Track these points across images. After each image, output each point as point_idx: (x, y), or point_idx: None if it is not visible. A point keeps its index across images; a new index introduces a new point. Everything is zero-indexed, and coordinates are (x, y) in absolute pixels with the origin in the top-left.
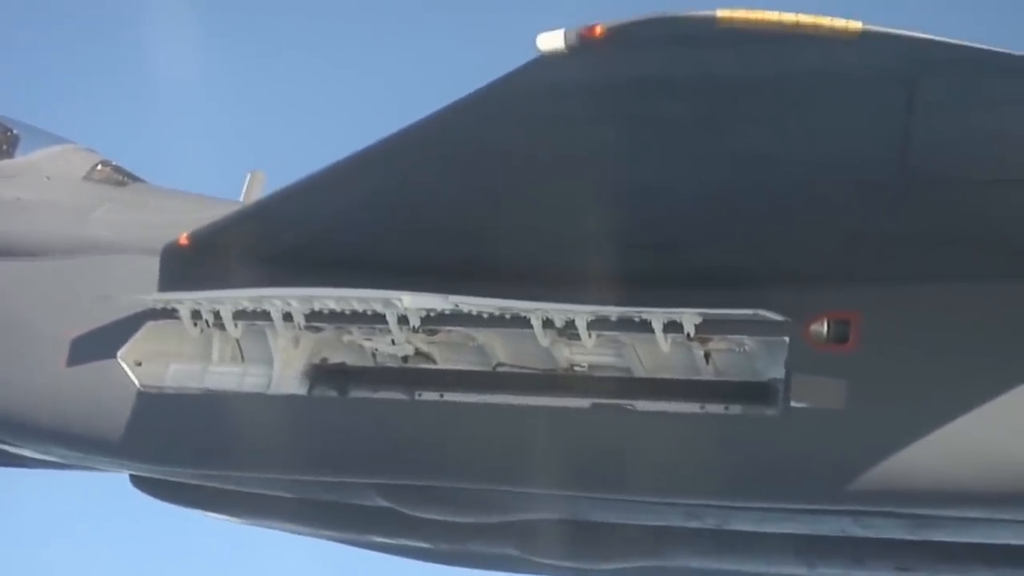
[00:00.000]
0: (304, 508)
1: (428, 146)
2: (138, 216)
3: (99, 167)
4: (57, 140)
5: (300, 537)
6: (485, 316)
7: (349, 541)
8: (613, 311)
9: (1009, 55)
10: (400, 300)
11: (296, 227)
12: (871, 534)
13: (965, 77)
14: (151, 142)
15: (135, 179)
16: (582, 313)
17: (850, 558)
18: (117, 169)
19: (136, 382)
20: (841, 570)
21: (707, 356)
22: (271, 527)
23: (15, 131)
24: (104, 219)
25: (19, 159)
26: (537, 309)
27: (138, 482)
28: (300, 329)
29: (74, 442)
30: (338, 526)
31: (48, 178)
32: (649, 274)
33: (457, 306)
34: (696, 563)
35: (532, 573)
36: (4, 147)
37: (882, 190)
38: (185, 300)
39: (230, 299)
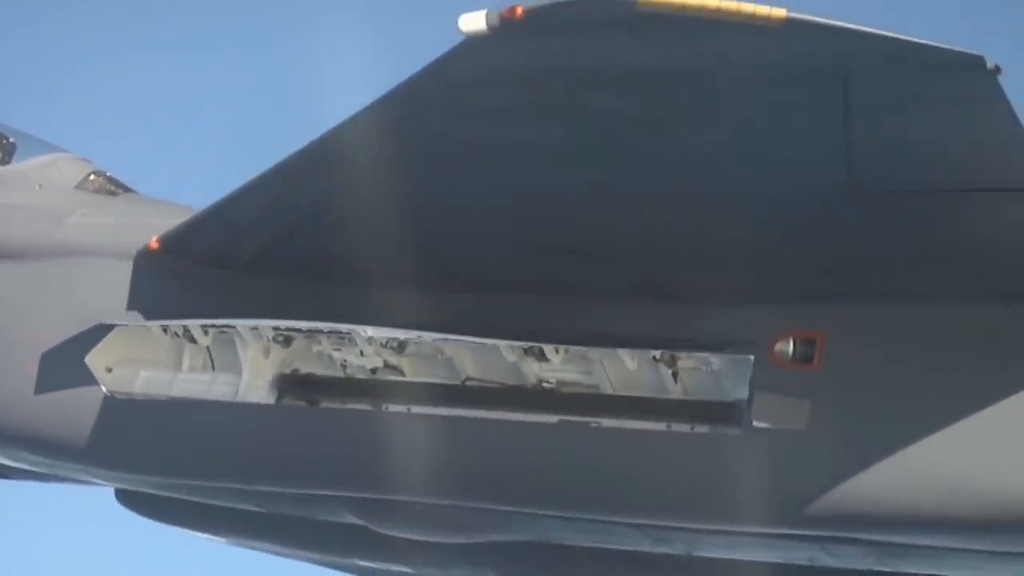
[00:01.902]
0: (283, 527)
1: (365, 140)
2: (114, 221)
3: (92, 177)
4: (52, 149)
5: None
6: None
7: (334, 565)
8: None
9: (940, 49)
10: (364, 331)
11: (250, 230)
12: (840, 564)
13: (900, 74)
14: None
15: (127, 190)
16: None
17: None
18: (110, 179)
19: (105, 388)
20: None
21: (675, 375)
22: (255, 548)
23: (11, 139)
24: (79, 223)
25: (13, 166)
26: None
27: (123, 498)
28: (269, 341)
29: (43, 448)
30: (318, 548)
31: (40, 186)
32: (606, 288)
33: (419, 337)
34: None
35: None
36: (0, 154)
37: (833, 201)
38: (152, 327)
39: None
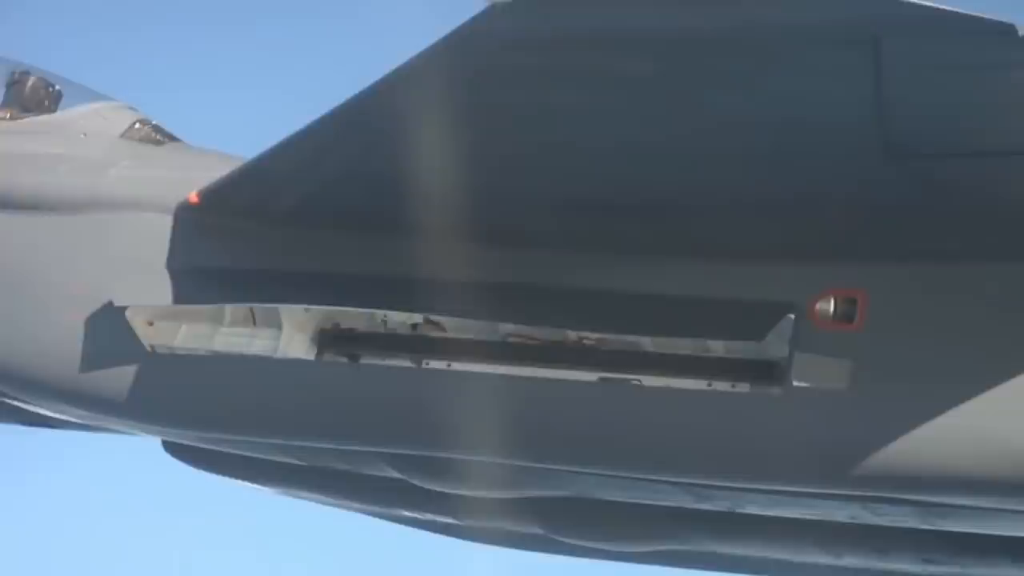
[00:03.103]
0: (327, 480)
1: (401, 100)
2: (157, 173)
3: (137, 125)
4: (98, 97)
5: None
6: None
7: (379, 515)
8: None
9: (970, 17)
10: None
11: (292, 184)
12: (883, 522)
13: (930, 40)
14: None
15: (173, 139)
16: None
17: (873, 547)
18: (156, 128)
19: (146, 342)
20: (866, 559)
21: None
22: (303, 498)
23: (56, 86)
24: (121, 176)
25: (59, 115)
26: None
27: (171, 448)
28: None
29: (84, 402)
30: (363, 499)
31: (85, 135)
32: (644, 247)
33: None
34: (718, 548)
35: (563, 553)
36: (45, 102)
37: (869, 162)
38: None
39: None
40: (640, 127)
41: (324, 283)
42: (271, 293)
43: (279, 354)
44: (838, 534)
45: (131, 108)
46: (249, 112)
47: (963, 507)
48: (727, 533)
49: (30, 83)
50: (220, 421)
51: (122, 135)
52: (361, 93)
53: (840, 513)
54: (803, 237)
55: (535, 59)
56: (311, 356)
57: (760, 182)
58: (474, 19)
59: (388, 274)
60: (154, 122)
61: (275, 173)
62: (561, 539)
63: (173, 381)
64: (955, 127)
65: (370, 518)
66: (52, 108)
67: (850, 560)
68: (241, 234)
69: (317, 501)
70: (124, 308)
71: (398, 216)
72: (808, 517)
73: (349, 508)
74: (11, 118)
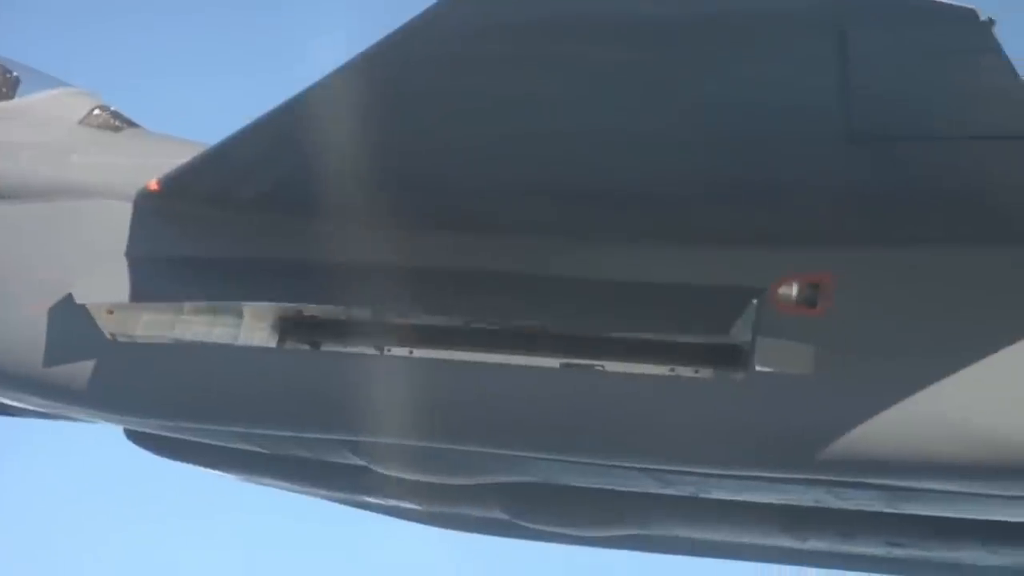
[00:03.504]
0: (290, 467)
1: (364, 85)
2: (117, 160)
3: (96, 111)
4: (57, 83)
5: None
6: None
7: (343, 501)
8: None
9: (932, 3)
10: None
11: (255, 170)
12: (849, 506)
13: (894, 26)
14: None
15: (132, 124)
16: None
17: (838, 531)
18: (115, 114)
19: (107, 331)
20: (831, 543)
21: None
22: (267, 485)
23: (14, 73)
24: (81, 163)
25: (16, 101)
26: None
27: (133, 436)
28: None
29: (45, 390)
30: (326, 485)
31: (43, 121)
32: (608, 232)
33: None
34: (684, 532)
35: (528, 538)
36: (2, 89)
37: (833, 147)
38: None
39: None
40: (602, 113)
41: (285, 271)
42: (233, 283)
43: (240, 341)
44: (803, 518)
45: (89, 94)
46: (209, 99)
47: (928, 491)
48: (692, 518)
49: None
50: (182, 409)
51: (81, 121)
52: (325, 78)
53: (805, 497)
54: (767, 222)
55: (501, 45)
56: (272, 343)
57: (725, 167)
58: (439, 3)
59: (351, 262)
60: (113, 108)
61: (237, 159)
62: (524, 524)
63: (134, 370)
64: (919, 112)
65: (334, 504)
66: (9, 95)
67: (815, 544)
68: (202, 221)
69: (281, 488)
70: (85, 296)
71: (361, 203)
72: (773, 501)
73: (313, 495)
74: None
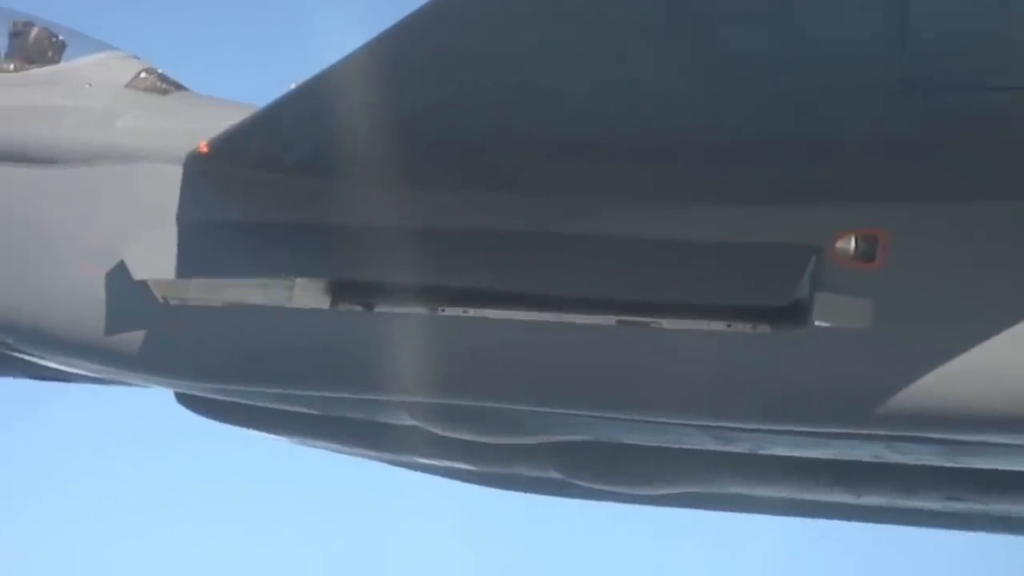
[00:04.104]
0: (342, 428)
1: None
2: (166, 123)
3: (143, 74)
4: (102, 47)
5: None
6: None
7: (395, 462)
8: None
9: None
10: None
11: (303, 134)
12: (908, 460)
13: None
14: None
15: (179, 87)
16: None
17: (896, 487)
18: (162, 77)
19: (159, 295)
20: (888, 498)
21: None
22: (316, 447)
23: (60, 36)
24: (129, 126)
25: (63, 65)
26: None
27: (183, 400)
28: None
29: (96, 355)
30: (378, 446)
31: (90, 85)
32: (663, 192)
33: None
34: (741, 489)
35: (580, 497)
36: (49, 53)
37: (890, 99)
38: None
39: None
40: (655, 67)
41: (337, 234)
42: (284, 246)
43: (293, 304)
44: (861, 473)
45: (135, 57)
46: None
47: (987, 444)
48: (749, 474)
49: (33, 34)
50: (235, 373)
51: (127, 85)
52: (368, 43)
53: (863, 452)
54: (823, 177)
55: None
56: (325, 305)
57: (779, 122)
58: None
59: (403, 224)
60: (160, 71)
61: (287, 122)
62: (579, 483)
63: (187, 333)
64: (979, 61)
65: (384, 465)
66: (56, 59)
67: (872, 499)
68: (253, 184)
69: (332, 450)
70: (136, 261)
71: (413, 167)
72: (831, 457)
73: (364, 456)
74: (15, 69)
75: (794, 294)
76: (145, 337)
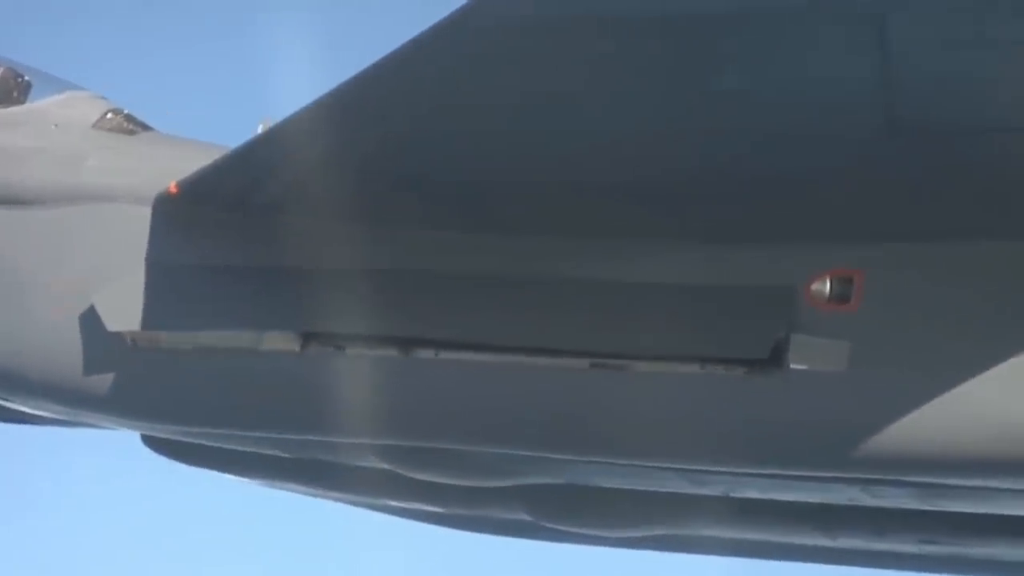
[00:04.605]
0: (311, 471)
1: (390, 87)
2: (134, 164)
3: (109, 115)
4: (69, 86)
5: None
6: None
7: (366, 505)
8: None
9: None
10: None
11: (275, 175)
12: (883, 503)
13: (935, 13)
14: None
15: (146, 128)
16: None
17: (870, 529)
18: (128, 118)
19: (128, 337)
20: (863, 541)
21: None
22: (287, 490)
23: (26, 77)
24: (98, 167)
25: (28, 106)
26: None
27: (149, 441)
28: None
29: (63, 397)
30: (349, 489)
31: (56, 126)
32: (637, 229)
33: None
34: (714, 532)
35: (551, 540)
36: (15, 93)
37: (870, 140)
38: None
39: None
40: (635, 105)
41: (308, 275)
42: (254, 288)
43: (263, 347)
44: (836, 516)
45: (101, 97)
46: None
47: (963, 487)
48: (723, 517)
49: None
50: (206, 416)
51: (94, 125)
52: (347, 81)
53: (838, 496)
54: (801, 217)
55: (534, 41)
56: (296, 348)
57: (760, 163)
58: (468, 3)
59: (375, 265)
60: (125, 111)
61: (259, 163)
62: (549, 525)
63: (155, 376)
64: (962, 103)
65: (356, 508)
66: (21, 99)
67: (847, 542)
68: (223, 225)
69: (301, 492)
70: (103, 303)
71: (385, 207)
72: (806, 500)
73: (334, 499)
74: None
75: (771, 344)
76: (113, 379)
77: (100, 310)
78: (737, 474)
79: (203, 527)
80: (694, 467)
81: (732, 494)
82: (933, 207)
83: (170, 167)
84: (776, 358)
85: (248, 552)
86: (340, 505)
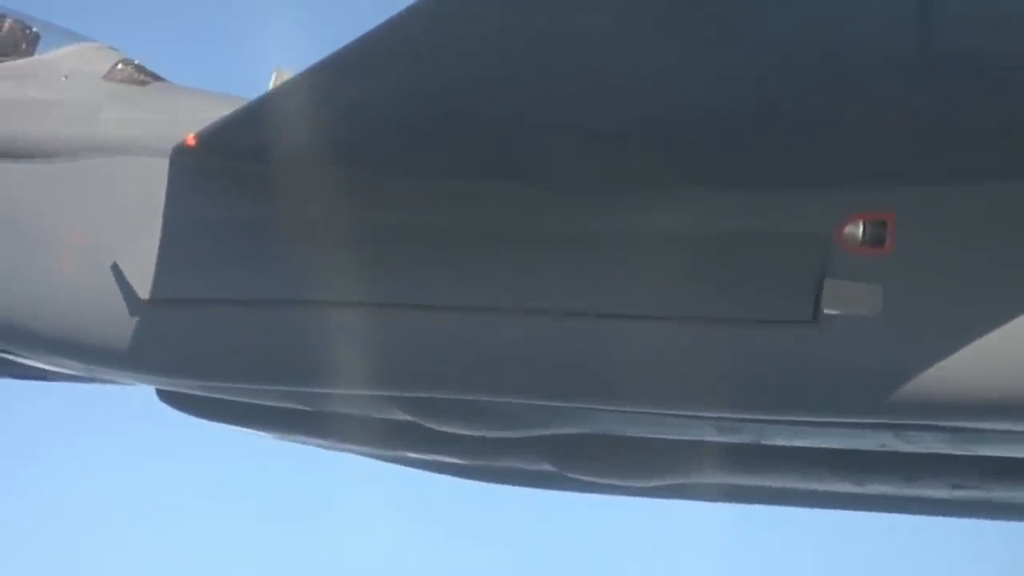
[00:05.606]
0: (329, 424)
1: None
2: (150, 116)
3: (120, 66)
4: (77, 38)
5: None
6: None
7: (383, 457)
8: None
9: None
10: None
11: (294, 125)
12: (915, 448)
13: None
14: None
15: (157, 78)
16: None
17: (902, 475)
18: (139, 68)
19: (143, 291)
20: (894, 487)
21: None
22: (303, 443)
23: (34, 28)
24: (114, 119)
25: (37, 57)
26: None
27: (164, 396)
28: None
29: (78, 352)
30: (367, 441)
31: (66, 77)
32: (667, 176)
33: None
34: (739, 480)
35: (573, 490)
36: (23, 45)
37: (906, 80)
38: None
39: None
40: (666, 47)
41: (327, 225)
42: (273, 240)
43: (283, 298)
44: (866, 462)
45: (111, 48)
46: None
47: (995, 431)
48: (750, 465)
49: (6, 26)
50: (225, 369)
51: (105, 76)
52: (370, 31)
53: (870, 441)
54: (834, 160)
55: None
56: (318, 299)
57: (794, 103)
58: None
59: (395, 213)
60: (137, 61)
61: (279, 113)
62: (573, 476)
63: (171, 330)
64: (1000, 40)
65: (372, 460)
66: (29, 51)
67: (875, 488)
68: (241, 177)
69: (318, 445)
70: (121, 257)
71: (404, 154)
72: (835, 447)
73: (351, 451)
74: None
75: (804, 289)
76: (128, 334)
77: (112, 253)
78: (767, 421)
79: (218, 482)
80: (726, 415)
81: (760, 441)
82: (968, 147)
83: (185, 118)
84: (808, 303)
85: (262, 506)
86: (354, 457)
